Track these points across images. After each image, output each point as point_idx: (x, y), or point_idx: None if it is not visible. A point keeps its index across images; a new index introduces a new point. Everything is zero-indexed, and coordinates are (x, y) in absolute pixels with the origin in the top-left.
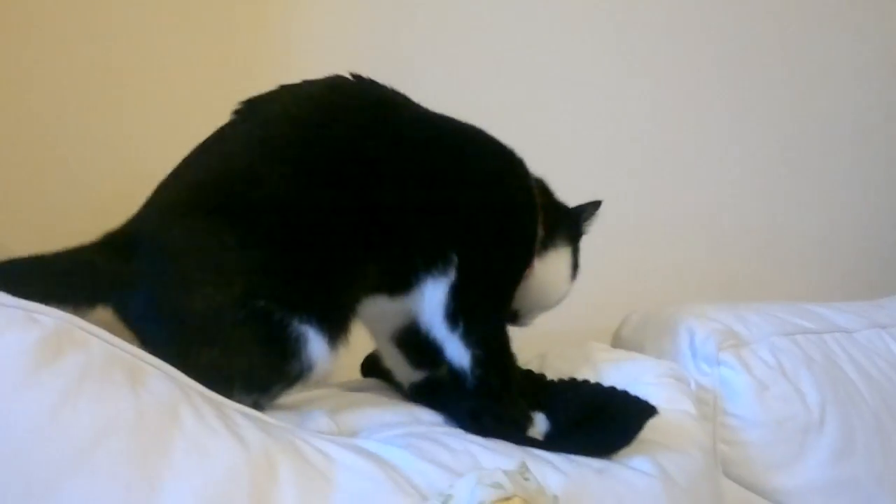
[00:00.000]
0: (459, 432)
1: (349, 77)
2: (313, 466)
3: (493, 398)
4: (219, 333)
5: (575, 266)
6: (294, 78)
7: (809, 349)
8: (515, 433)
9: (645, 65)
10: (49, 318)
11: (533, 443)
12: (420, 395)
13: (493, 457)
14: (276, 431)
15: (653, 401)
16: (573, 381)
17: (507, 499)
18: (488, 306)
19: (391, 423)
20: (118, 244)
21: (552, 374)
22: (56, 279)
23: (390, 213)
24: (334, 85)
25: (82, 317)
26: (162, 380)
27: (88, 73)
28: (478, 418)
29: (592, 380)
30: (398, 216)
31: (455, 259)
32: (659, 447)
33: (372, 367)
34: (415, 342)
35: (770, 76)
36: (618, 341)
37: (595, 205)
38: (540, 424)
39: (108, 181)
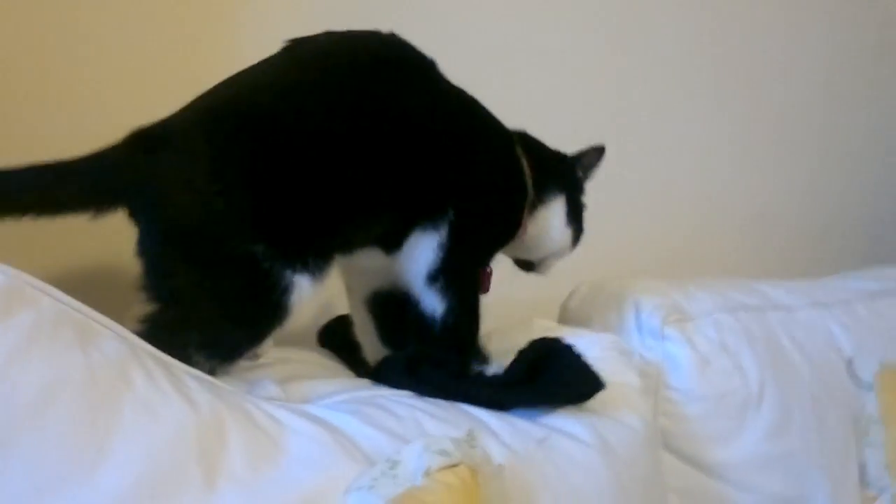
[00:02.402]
0: (404, 398)
1: (386, 34)
2: (263, 431)
3: (460, 346)
4: (202, 261)
5: (573, 214)
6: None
7: (751, 326)
8: (454, 381)
9: (601, 29)
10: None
11: (472, 392)
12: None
13: (439, 425)
14: (227, 395)
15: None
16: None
17: (454, 465)
18: (470, 266)
19: (335, 390)
20: (143, 142)
21: (495, 356)
22: (80, 182)
23: (402, 167)
24: (372, 37)
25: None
26: (112, 340)
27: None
28: (415, 371)
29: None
30: (408, 170)
31: (450, 216)
32: (601, 417)
33: (331, 337)
34: (389, 313)
35: (722, 50)
36: (565, 313)
37: (597, 150)
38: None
39: None
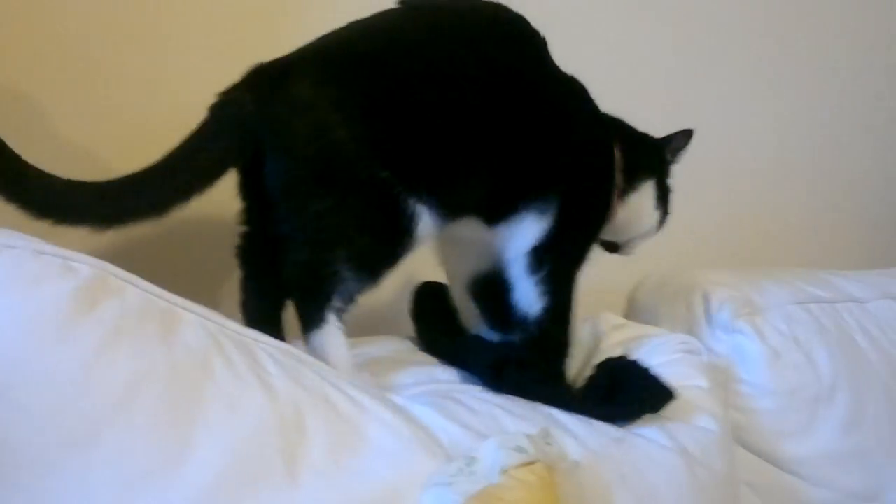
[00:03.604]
0: (480, 393)
1: (504, 5)
2: (344, 419)
3: (548, 353)
4: (335, 185)
5: (662, 197)
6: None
7: (823, 319)
8: (539, 387)
9: (673, 27)
10: (85, 266)
11: (553, 399)
12: (441, 351)
13: (515, 421)
14: (309, 380)
15: (667, 378)
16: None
17: (530, 463)
18: (572, 260)
19: (415, 381)
20: (264, 76)
21: None
22: (214, 143)
23: (519, 138)
24: (491, 5)
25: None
26: (195, 327)
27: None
28: (499, 371)
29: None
30: (524, 144)
31: (557, 203)
32: (672, 422)
33: (423, 302)
34: (493, 297)
35: (792, 43)
36: (632, 305)
37: (685, 133)
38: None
39: None
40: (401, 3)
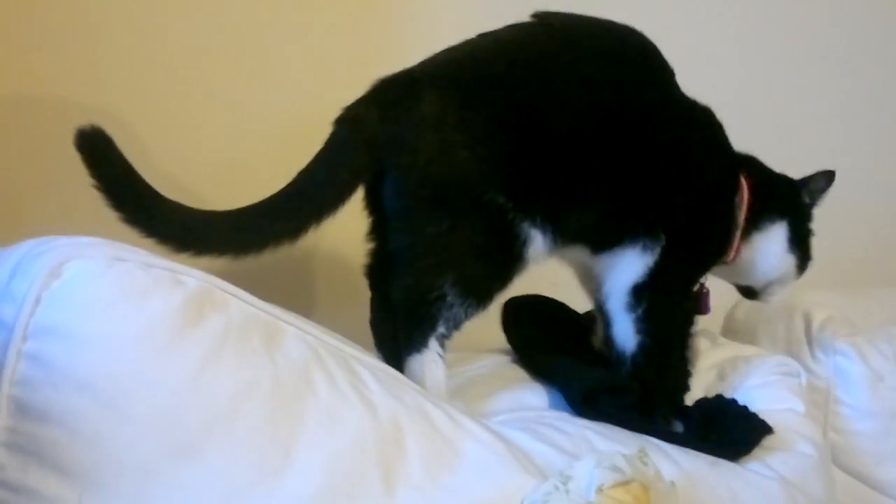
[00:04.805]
0: (572, 418)
1: (636, 31)
2: (441, 435)
3: (647, 391)
4: (453, 209)
5: (796, 240)
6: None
7: None
8: (631, 420)
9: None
10: (192, 279)
11: (648, 430)
12: (537, 369)
13: (609, 443)
14: (407, 395)
15: (762, 401)
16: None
17: (626, 482)
18: (675, 298)
19: (505, 408)
20: (390, 91)
21: None
22: (338, 163)
23: (635, 169)
24: (624, 30)
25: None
26: (297, 341)
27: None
28: (594, 399)
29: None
30: (639, 175)
31: (663, 239)
32: (769, 451)
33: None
34: None
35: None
36: (730, 323)
37: (825, 175)
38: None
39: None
40: (535, 16)
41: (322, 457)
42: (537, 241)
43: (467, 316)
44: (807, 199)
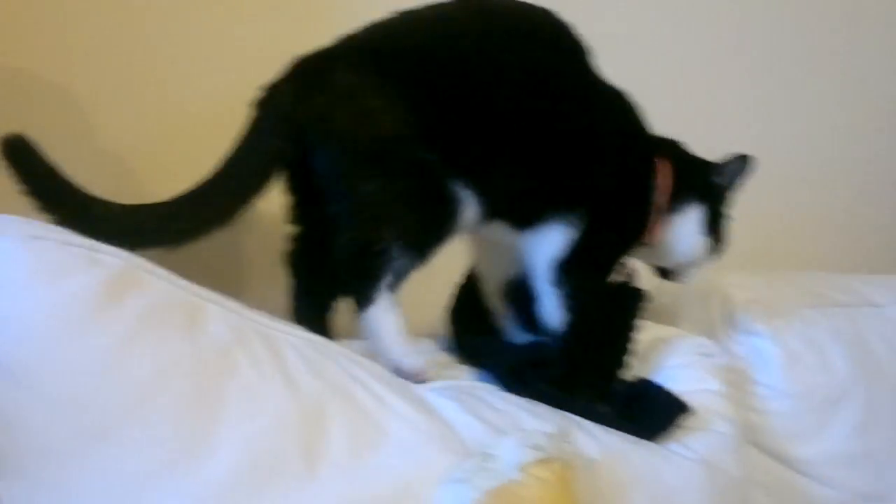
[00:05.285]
0: (501, 393)
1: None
2: (365, 413)
3: (572, 368)
4: (383, 167)
5: (711, 223)
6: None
7: (839, 322)
8: (555, 396)
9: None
10: (111, 257)
11: (571, 407)
12: (464, 351)
13: (536, 420)
14: (331, 373)
15: (680, 382)
16: None
17: (548, 461)
18: (597, 274)
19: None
20: (308, 66)
21: None
22: (262, 142)
23: (553, 145)
24: (539, 9)
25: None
26: (219, 320)
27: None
28: (519, 375)
29: None
30: (557, 151)
31: (585, 217)
32: (687, 431)
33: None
34: (525, 301)
35: (812, 52)
36: (653, 307)
37: (742, 159)
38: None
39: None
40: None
41: (242, 437)
42: (469, 206)
43: (410, 268)
44: (723, 183)
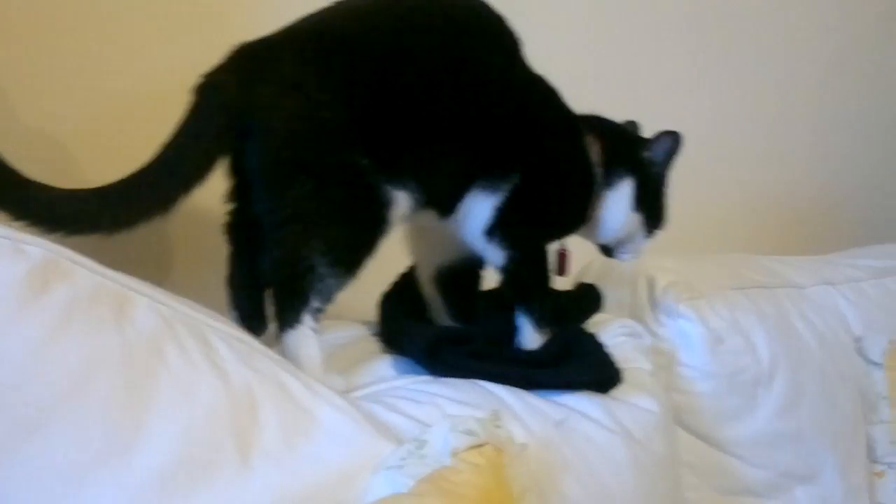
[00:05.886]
0: (423, 386)
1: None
2: (297, 403)
3: (524, 297)
4: (316, 169)
5: (643, 198)
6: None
7: (763, 304)
8: (476, 361)
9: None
10: (36, 247)
11: (490, 375)
12: (385, 337)
13: (460, 408)
14: (262, 364)
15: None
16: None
17: (479, 445)
18: (529, 225)
19: (361, 383)
20: (249, 55)
21: None
22: (200, 132)
23: (480, 127)
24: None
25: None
26: (148, 311)
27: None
28: (435, 350)
29: None
30: (484, 133)
31: (514, 179)
32: (616, 402)
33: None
34: (455, 289)
35: (740, 27)
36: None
37: (670, 135)
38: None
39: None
40: None
41: (174, 429)
42: (400, 203)
43: (339, 286)
44: (653, 158)
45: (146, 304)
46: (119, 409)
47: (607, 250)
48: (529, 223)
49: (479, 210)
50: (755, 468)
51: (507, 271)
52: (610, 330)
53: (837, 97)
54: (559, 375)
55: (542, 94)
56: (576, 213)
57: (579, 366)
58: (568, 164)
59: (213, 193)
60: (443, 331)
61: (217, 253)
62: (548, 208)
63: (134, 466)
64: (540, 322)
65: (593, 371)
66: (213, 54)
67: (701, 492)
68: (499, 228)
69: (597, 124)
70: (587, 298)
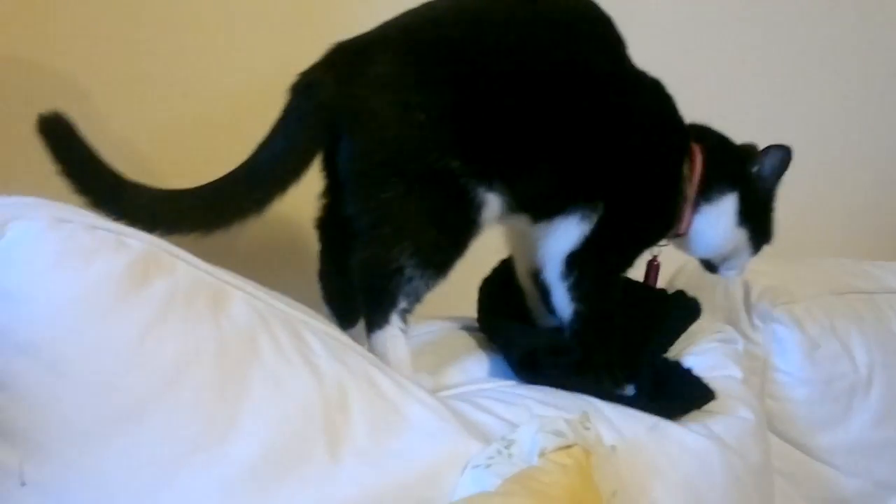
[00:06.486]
0: (512, 388)
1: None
2: (387, 400)
3: (586, 354)
4: (407, 172)
5: (747, 213)
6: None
7: (861, 309)
8: (574, 381)
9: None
10: (137, 241)
11: (593, 390)
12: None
13: (549, 411)
14: (353, 360)
15: (701, 368)
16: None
17: (568, 446)
18: (607, 266)
19: (444, 384)
20: (346, 56)
21: None
22: (297, 128)
23: (581, 136)
24: (582, 1)
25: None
26: (243, 305)
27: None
28: (533, 362)
29: None
30: (584, 143)
31: (601, 209)
32: (709, 414)
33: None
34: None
35: (838, 30)
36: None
37: (780, 149)
38: (628, 393)
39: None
40: None
41: (267, 422)
42: (491, 206)
43: (427, 287)
44: (761, 173)
45: (242, 298)
46: (213, 401)
47: (710, 266)
48: (610, 258)
49: (565, 232)
50: (849, 477)
51: (573, 331)
52: (703, 335)
53: None
54: (659, 409)
55: (647, 103)
56: (659, 231)
57: (676, 397)
58: (657, 182)
59: (311, 190)
60: (540, 340)
61: (312, 249)
62: (631, 235)
63: (226, 458)
64: (600, 374)
65: (687, 399)
66: (310, 53)
67: (793, 501)
68: (576, 265)
69: (703, 135)
70: (685, 308)
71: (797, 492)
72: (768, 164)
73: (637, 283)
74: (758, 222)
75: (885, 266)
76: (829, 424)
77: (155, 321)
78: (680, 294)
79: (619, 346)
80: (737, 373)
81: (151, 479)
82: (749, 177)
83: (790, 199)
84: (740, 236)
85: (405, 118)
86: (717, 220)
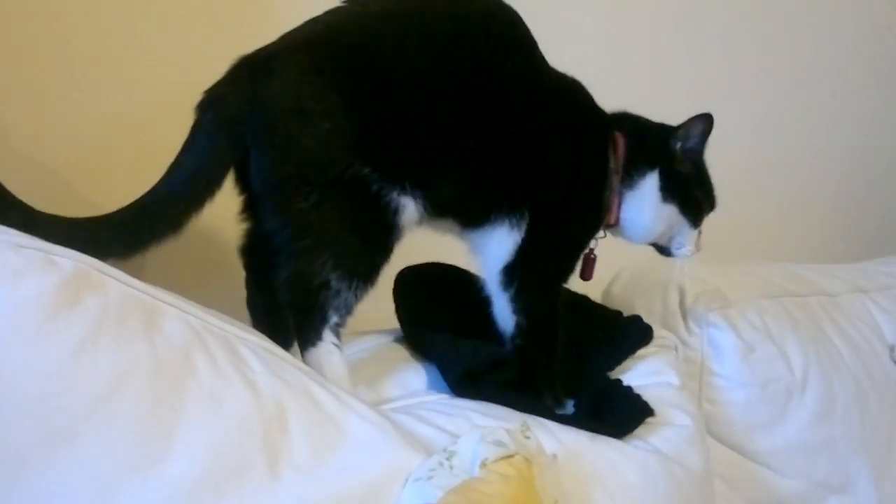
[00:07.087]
0: (450, 400)
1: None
2: (326, 414)
3: (528, 370)
4: (318, 181)
5: (671, 187)
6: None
7: (795, 312)
8: (513, 398)
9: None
10: (67, 259)
11: (531, 410)
12: (420, 347)
13: (490, 421)
14: (291, 375)
15: (638, 374)
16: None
17: (509, 456)
18: (546, 275)
19: (383, 398)
20: (249, 69)
21: None
22: (208, 147)
23: (495, 142)
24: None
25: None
26: (177, 322)
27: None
28: (475, 379)
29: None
30: (500, 148)
31: (527, 216)
32: (646, 426)
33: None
34: None
35: (766, 36)
36: (608, 298)
37: (702, 118)
38: (568, 409)
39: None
40: None
41: (204, 440)
42: (408, 209)
43: (357, 298)
44: (683, 145)
45: (176, 315)
46: (149, 419)
47: (661, 249)
48: (547, 267)
49: (497, 243)
50: (788, 478)
51: (515, 344)
52: None
53: (875, 103)
54: (600, 427)
55: (557, 102)
56: (592, 225)
57: (616, 416)
58: (581, 188)
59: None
60: (478, 357)
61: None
62: (564, 235)
63: (163, 477)
64: (541, 391)
65: (627, 417)
66: (222, 62)
67: (733, 503)
68: (517, 274)
69: (624, 122)
70: (638, 332)
71: (737, 494)
72: (692, 134)
73: (593, 302)
74: (685, 195)
75: (818, 269)
76: (767, 426)
77: (87, 341)
78: (636, 318)
79: (562, 361)
80: (674, 379)
81: (88, 501)
82: (671, 153)
83: (724, 202)
84: (669, 212)
85: (310, 128)
86: (641, 203)
